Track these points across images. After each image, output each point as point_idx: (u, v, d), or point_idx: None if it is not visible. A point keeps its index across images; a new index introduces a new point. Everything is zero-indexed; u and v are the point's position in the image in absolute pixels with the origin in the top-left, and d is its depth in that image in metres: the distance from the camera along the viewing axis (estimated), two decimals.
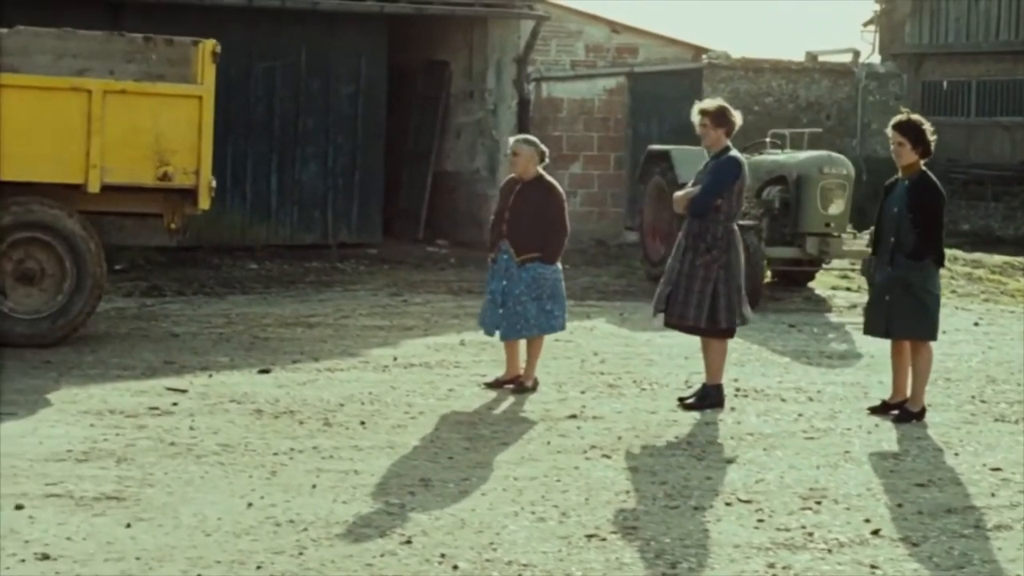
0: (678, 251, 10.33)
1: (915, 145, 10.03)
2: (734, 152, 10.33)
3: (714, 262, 10.06)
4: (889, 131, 10.23)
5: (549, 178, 10.88)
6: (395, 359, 11.87)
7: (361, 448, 8.65)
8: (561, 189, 10.93)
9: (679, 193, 10.47)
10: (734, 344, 12.32)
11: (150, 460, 8.20)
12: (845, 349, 13.19)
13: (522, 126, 20.89)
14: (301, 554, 6.48)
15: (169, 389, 10.35)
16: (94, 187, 12.03)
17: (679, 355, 12.47)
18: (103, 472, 7.90)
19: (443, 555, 6.52)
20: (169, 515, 7.06)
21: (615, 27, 21.68)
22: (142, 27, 14.98)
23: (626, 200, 21.91)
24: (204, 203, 12.39)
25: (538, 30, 20.48)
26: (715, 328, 10.12)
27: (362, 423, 9.38)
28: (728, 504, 7.57)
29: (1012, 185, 32.32)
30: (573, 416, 9.78)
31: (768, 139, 18.32)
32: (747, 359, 12.28)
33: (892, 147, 10.17)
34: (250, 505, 7.27)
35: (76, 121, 11.95)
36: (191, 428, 9.08)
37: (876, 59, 38.78)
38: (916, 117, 10.24)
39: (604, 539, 6.86)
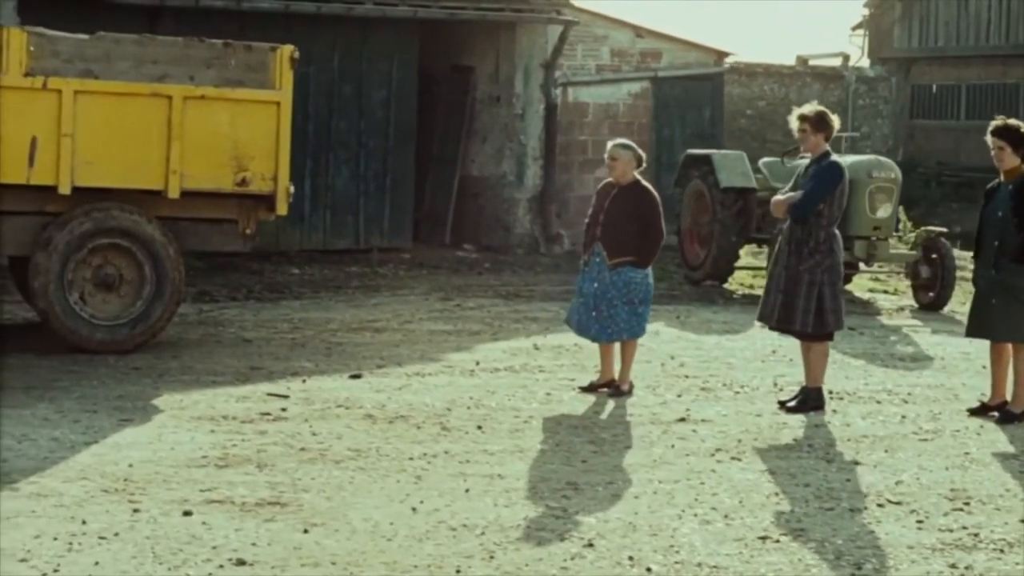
0: (780, 256, 10.40)
1: (1016, 148, 10.15)
2: (835, 156, 10.42)
3: (818, 266, 10.15)
4: (988, 138, 10.34)
5: (645, 183, 10.97)
6: (478, 363, 11.90)
7: (492, 452, 8.69)
8: (656, 194, 11.00)
9: (778, 198, 10.54)
10: None
11: (290, 466, 8.21)
12: (913, 352, 13.31)
13: (549, 130, 21.00)
14: (492, 558, 6.52)
15: (270, 395, 10.36)
16: (174, 193, 12.02)
17: (754, 358, 12.58)
18: (249, 478, 7.90)
19: (630, 558, 6.57)
20: (340, 520, 7.08)
21: (639, 32, 21.78)
22: (178, 33, 14.93)
23: None
24: (282, 209, 12.40)
25: (566, 35, 20.56)
26: (822, 331, 10.21)
27: (479, 427, 9.42)
28: (880, 506, 7.65)
29: None
30: (682, 419, 9.84)
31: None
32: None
33: (993, 152, 10.29)
34: (414, 510, 7.30)
35: (156, 127, 11.95)
36: (313, 434, 9.09)
37: (865, 63, 39.10)
38: (1013, 121, 10.36)
39: (778, 541, 6.93)
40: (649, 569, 6.42)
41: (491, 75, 21.34)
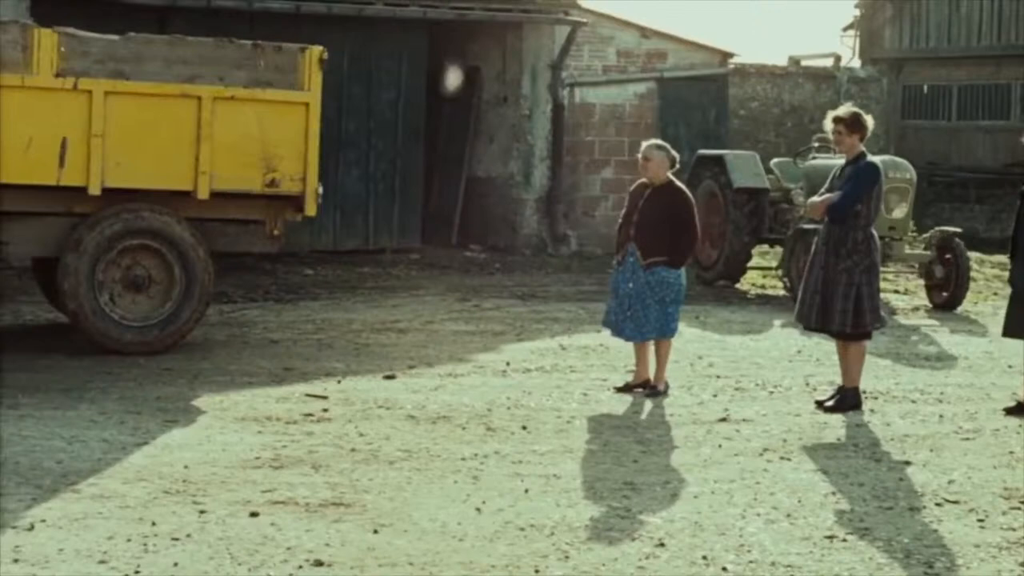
0: (816, 257, 10.44)
1: None
2: (871, 157, 10.48)
3: (856, 266, 10.20)
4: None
5: (679, 183, 11.01)
6: (508, 364, 11.93)
7: (542, 452, 8.72)
8: (690, 195, 11.04)
9: (815, 199, 10.59)
10: (833, 348, 12.50)
11: (344, 467, 8.22)
12: (936, 351, 13.38)
13: (556, 131, 21.03)
14: (567, 558, 6.55)
15: (308, 395, 10.37)
16: (203, 194, 12.02)
17: (781, 358, 12.64)
18: (307, 479, 7.92)
19: (704, 557, 6.61)
20: (407, 521, 7.10)
21: (645, 32, 21.83)
22: (189, 34, 14.89)
23: None
24: (311, 210, 12.42)
25: (574, 36, 20.60)
26: (860, 331, 10.26)
27: (523, 427, 9.44)
28: (938, 505, 7.70)
29: (995, 188, 32.72)
30: (723, 420, 9.88)
31: (816, 144, 18.50)
32: None
33: None
34: (479, 510, 7.32)
35: (186, 128, 11.95)
36: (360, 434, 9.10)
37: (856, 64, 39.22)
38: None
39: (844, 540, 6.97)
40: (725, 568, 6.46)
41: (498, 75, 21.37)
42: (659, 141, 11.21)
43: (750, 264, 18.30)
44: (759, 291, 18.00)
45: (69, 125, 11.65)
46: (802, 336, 13.91)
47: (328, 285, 16.96)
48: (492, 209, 21.33)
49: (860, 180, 10.30)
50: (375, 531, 6.90)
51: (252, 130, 12.09)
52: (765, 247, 19.13)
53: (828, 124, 10.55)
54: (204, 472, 7.98)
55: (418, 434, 9.17)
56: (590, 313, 15.26)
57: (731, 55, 22.98)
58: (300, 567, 6.33)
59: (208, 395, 10.29)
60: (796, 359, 12.60)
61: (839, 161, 17.36)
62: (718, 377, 11.60)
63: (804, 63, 38.58)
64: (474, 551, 6.62)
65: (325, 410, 9.86)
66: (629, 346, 12.24)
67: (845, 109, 10.56)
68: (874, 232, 10.43)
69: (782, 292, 17.87)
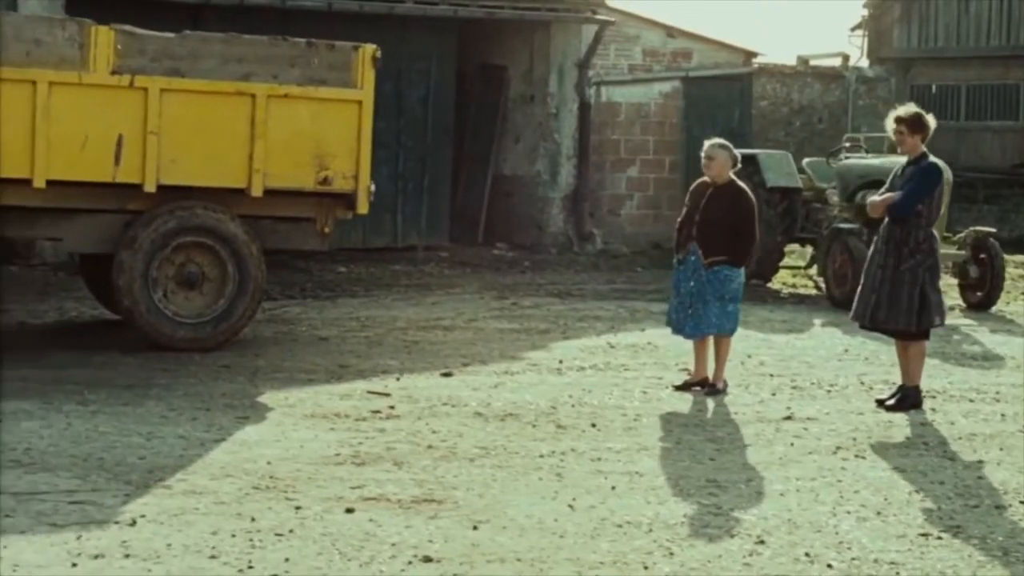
0: (876, 256, 10.48)
1: None
2: (933, 158, 10.52)
3: (919, 265, 10.24)
4: None
5: (741, 183, 11.05)
6: (561, 362, 11.97)
7: (618, 450, 8.75)
8: (752, 195, 11.09)
9: (875, 198, 10.63)
10: (879, 347, 12.59)
11: (426, 463, 8.26)
12: (981, 351, 13.45)
13: (583, 130, 21.08)
14: (672, 555, 6.59)
15: (371, 392, 10.40)
16: (257, 191, 12.05)
17: (830, 357, 12.70)
18: (391, 475, 7.95)
19: (806, 554, 6.64)
20: (503, 517, 7.13)
21: (671, 32, 21.90)
22: (222, 31, 14.89)
23: (680, 203, 22.07)
24: (363, 208, 12.45)
25: (601, 35, 20.65)
26: (925, 330, 10.31)
27: (592, 425, 9.48)
28: (1023, 503, 7.75)
29: (1004, 188, 32.81)
30: (788, 418, 9.92)
31: (847, 144, 18.58)
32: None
33: None
34: (571, 507, 7.36)
35: (240, 125, 11.98)
36: (433, 432, 9.13)
37: (865, 63, 39.29)
38: None
39: (939, 538, 7.01)
40: (830, 566, 6.50)
41: (524, 74, 21.42)
42: (722, 140, 11.23)
43: (781, 263, 18.34)
44: (791, 290, 18.05)
45: (125, 122, 11.68)
46: (845, 335, 14.01)
47: (363, 282, 17.00)
48: (518, 208, 21.37)
49: (923, 180, 10.35)
50: (474, 527, 6.93)
51: (305, 128, 12.12)
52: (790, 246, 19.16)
53: (890, 124, 10.58)
54: (288, 468, 8.01)
55: (489, 431, 9.20)
56: (630, 312, 15.33)
57: (755, 54, 23.06)
58: (409, 563, 6.35)
59: (271, 392, 10.31)
60: (845, 358, 12.65)
61: (872, 160, 17.56)
62: (772, 376, 11.65)
63: (813, 63, 38.69)
64: (577, 547, 6.65)
65: (391, 407, 9.89)
66: (679, 344, 12.34)
67: (907, 109, 10.60)
68: (935, 232, 10.48)
69: (814, 291, 17.95)
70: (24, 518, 6.85)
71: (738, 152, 11.27)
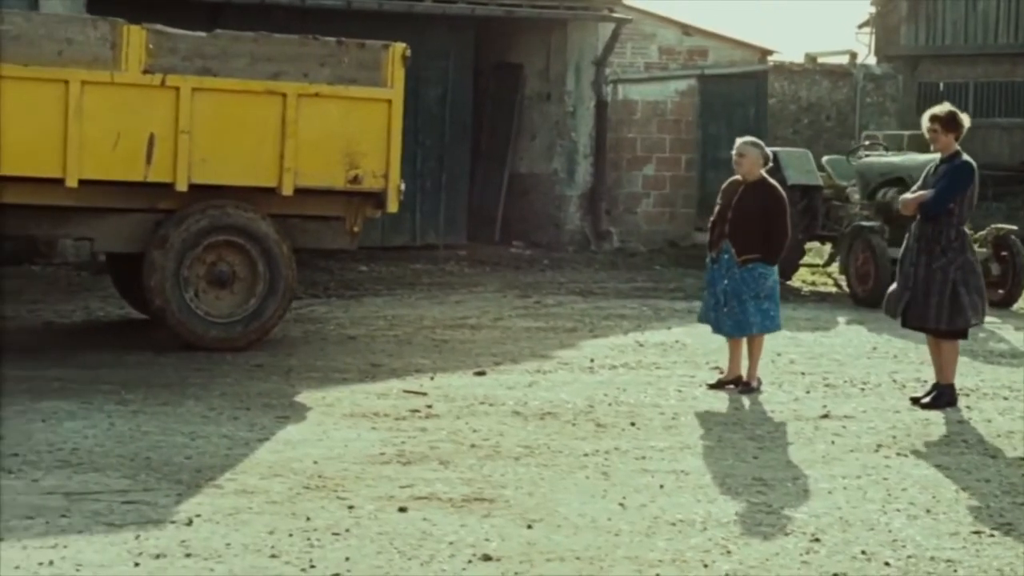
0: (908, 254, 10.50)
1: None
2: (966, 156, 10.53)
3: (951, 264, 10.25)
4: None
5: (772, 181, 11.07)
6: (592, 361, 11.99)
7: (661, 449, 8.77)
8: (783, 192, 11.10)
9: (908, 196, 10.65)
10: (907, 344, 12.61)
11: (471, 462, 8.27)
12: (1007, 348, 13.48)
13: (599, 128, 21.09)
14: (729, 553, 6.60)
15: (407, 392, 10.41)
16: (287, 190, 12.06)
17: (858, 355, 12.72)
18: (438, 474, 7.96)
19: (863, 552, 6.66)
20: (556, 516, 7.14)
21: (687, 30, 21.90)
22: (241, 30, 14.89)
23: (696, 201, 22.13)
24: (393, 206, 12.47)
25: (619, 32, 20.66)
26: (956, 328, 10.32)
27: (632, 424, 9.50)
28: None
29: (1012, 185, 32.84)
30: (825, 416, 9.94)
31: (866, 142, 18.61)
32: (929, 357, 12.45)
33: None
34: (623, 506, 7.38)
35: (271, 124, 11.99)
36: (474, 431, 9.15)
37: (872, 61, 39.31)
38: None
39: (992, 535, 7.03)
40: (887, 563, 6.51)
41: (540, 72, 21.42)
42: (753, 138, 11.26)
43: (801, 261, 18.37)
44: (811, 288, 18.07)
45: (156, 122, 11.69)
46: (871, 332, 14.05)
47: (385, 281, 17.01)
48: (534, 206, 21.38)
49: (956, 179, 10.36)
50: (528, 526, 6.94)
51: (336, 127, 12.13)
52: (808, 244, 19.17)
53: (925, 122, 10.59)
54: (335, 468, 8.02)
55: (530, 430, 9.22)
56: (654, 310, 15.36)
57: (770, 52, 23.06)
58: (469, 561, 6.37)
59: (308, 391, 10.33)
60: (874, 356, 12.68)
61: (892, 158, 17.58)
62: (803, 374, 11.67)
63: (820, 60, 38.72)
64: (634, 546, 6.67)
65: (429, 406, 9.90)
66: (708, 342, 12.39)
67: (941, 108, 10.61)
68: (967, 230, 10.50)
69: (834, 289, 17.97)
70: (80, 518, 6.86)
71: (779, 150, 11.28)
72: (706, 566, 6.40)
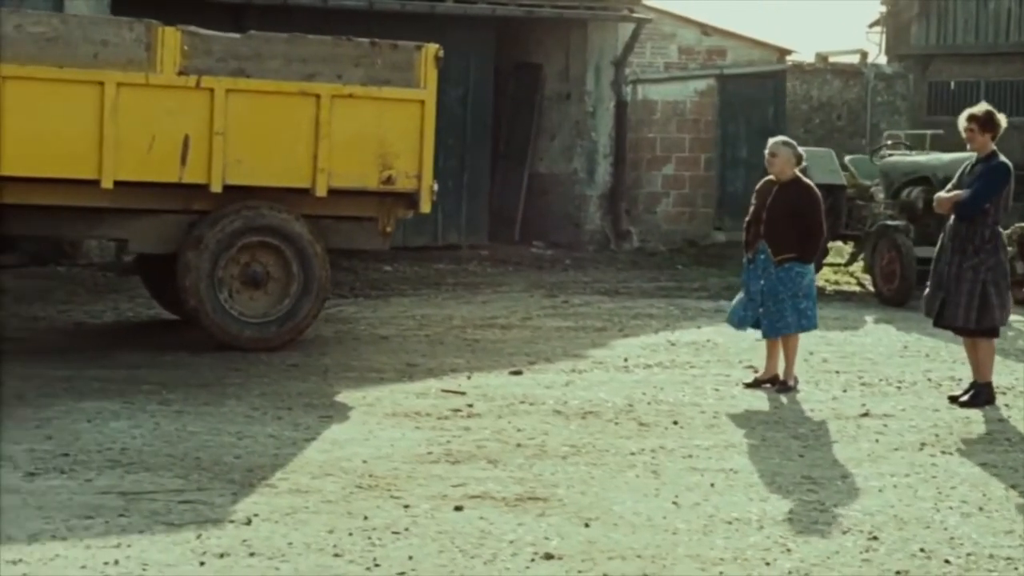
0: (942, 254, 10.53)
1: None
2: (1003, 157, 10.55)
3: (983, 264, 10.27)
4: None
5: (806, 180, 11.09)
6: (626, 360, 12.01)
7: (706, 447, 8.79)
8: (817, 191, 11.12)
9: (943, 195, 10.66)
10: (938, 343, 12.64)
11: (519, 461, 8.29)
12: None
13: (619, 128, 21.12)
14: (789, 551, 6.62)
15: (445, 391, 10.43)
16: (321, 191, 12.08)
17: (890, 353, 12.74)
18: (488, 473, 7.98)
19: (922, 550, 6.68)
20: (611, 514, 7.16)
21: (706, 30, 21.97)
22: (262, 30, 14.91)
23: (715, 201, 22.18)
24: (426, 207, 12.50)
25: (638, 33, 20.69)
26: (986, 328, 10.34)
27: (674, 423, 9.52)
28: None
29: None
30: (865, 415, 9.96)
31: (888, 141, 18.63)
32: (962, 356, 12.47)
33: None
34: (676, 504, 7.40)
35: (305, 125, 12.01)
36: (518, 430, 9.17)
37: (883, 60, 39.31)
38: None
39: None
40: (947, 561, 6.53)
41: (560, 72, 21.45)
42: (785, 137, 11.29)
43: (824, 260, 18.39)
44: (835, 287, 18.09)
45: (191, 123, 11.71)
46: (900, 331, 14.08)
47: (410, 281, 17.05)
48: (554, 206, 21.40)
49: (991, 179, 10.38)
50: (586, 525, 6.96)
51: (369, 127, 12.16)
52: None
53: (962, 122, 10.61)
54: (385, 467, 8.04)
55: (573, 429, 9.24)
56: (681, 309, 15.38)
57: (788, 51, 23.12)
58: (532, 560, 6.39)
59: (347, 391, 10.35)
60: (906, 354, 12.70)
61: (917, 157, 17.60)
62: (837, 372, 11.69)
63: (832, 59, 38.73)
64: (693, 544, 6.69)
65: (470, 405, 9.93)
66: (740, 342, 12.41)
67: (979, 107, 10.63)
68: (1001, 231, 10.52)
69: (857, 288, 17.99)
70: (139, 517, 6.89)
71: (802, 150, 11.32)
72: (767, 564, 6.42)
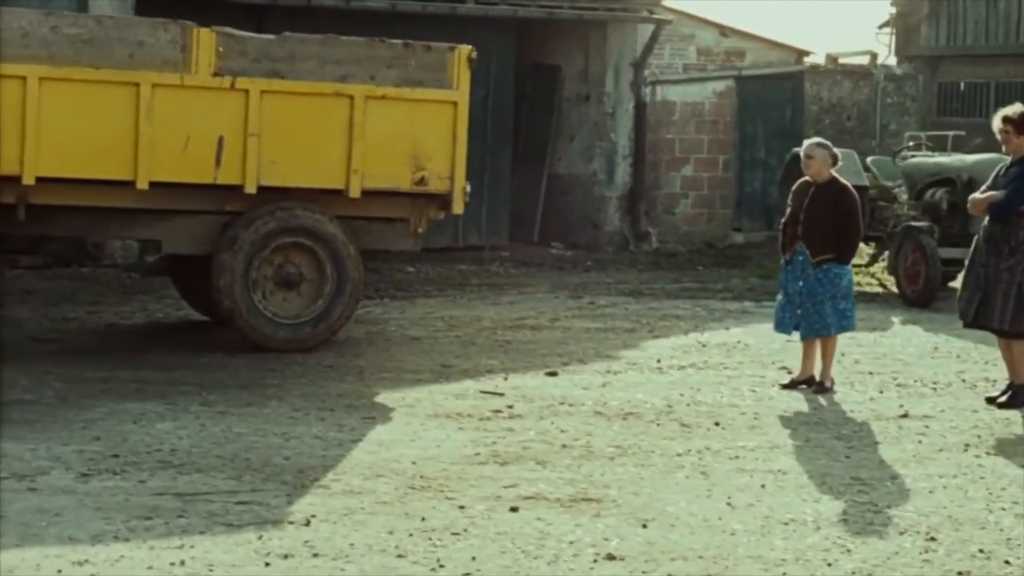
0: (976, 255, 10.54)
1: None
2: None
3: (1018, 264, 10.27)
4: None
5: (842, 180, 11.10)
6: (659, 361, 12.03)
7: (752, 448, 8.81)
8: (855, 192, 11.14)
9: (978, 196, 10.67)
10: (967, 344, 12.66)
11: (567, 462, 8.32)
12: None
13: (639, 129, 21.12)
14: (849, 552, 6.64)
15: (484, 392, 10.45)
16: (355, 192, 12.09)
17: (921, 354, 12.77)
18: (538, 474, 8.00)
19: (980, 551, 6.70)
20: (667, 515, 7.18)
21: (724, 31, 21.95)
22: (285, 32, 14.93)
23: (733, 202, 22.19)
24: (458, 208, 12.52)
25: (658, 34, 20.68)
26: (1019, 330, 10.34)
27: (716, 424, 9.54)
28: None
29: None
30: (904, 416, 9.98)
31: (911, 143, 18.64)
32: (993, 357, 12.49)
33: None
34: (730, 505, 7.42)
35: (338, 127, 12.02)
36: (562, 431, 9.19)
37: (892, 61, 39.31)
38: None
39: None
40: (1008, 562, 6.55)
41: (579, 73, 21.45)
42: (820, 139, 11.31)
43: None
44: (857, 288, 18.04)
45: (226, 124, 11.72)
46: (928, 332, 14.10)
47: (434, 282, 17.06)
48: (573, 207, 21.40)
49: None
50: (643, 526, 6.98)
51: (402, 129, 12.17)
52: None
53: (996, 123, 10.62)
54: (435, 468, 8.06)
55: (616, 430, 9.26)
56: (708, 311, 15.39)
57: (807, 53, 23.13)
58: (595, 561, 6.41)
59: (386, 392, 10.37)
60: (937, 356, 12.71)
61: (941, 159, 17.61)
62: (871, 374, 11.70)
63: (841, 61, 38.73)
64: (752, 545, 6.71)
65: (510, 406, 9.95)
66: (771, 343, 12.43)
67: (1013, 109, 10.63)
68: None
69: (879, 289, 18.00)
70: (197, 518, 6.91)
71: (839, 151, 11.35)
72: (829, 564, 6.44)
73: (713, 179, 22.09)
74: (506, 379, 11.02)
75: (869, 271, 18.83)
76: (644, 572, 6.28)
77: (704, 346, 12.92)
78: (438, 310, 14.84)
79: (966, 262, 10.89)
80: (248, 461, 8.12)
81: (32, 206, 11.48)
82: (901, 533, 6.97)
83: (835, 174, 11.07)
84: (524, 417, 9.61)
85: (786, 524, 7.08)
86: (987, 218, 10.55)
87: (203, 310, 13.36)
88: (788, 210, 11.16)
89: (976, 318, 10.54)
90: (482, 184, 20.01)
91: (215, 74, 11.68)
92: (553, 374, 11.28)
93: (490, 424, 9.36)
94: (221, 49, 11.70)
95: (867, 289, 18.11)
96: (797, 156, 18.26)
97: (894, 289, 17.05)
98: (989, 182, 10.82)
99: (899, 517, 7.26)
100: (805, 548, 6.67)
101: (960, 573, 6.39)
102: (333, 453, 8.39)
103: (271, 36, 12.10)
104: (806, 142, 11.24)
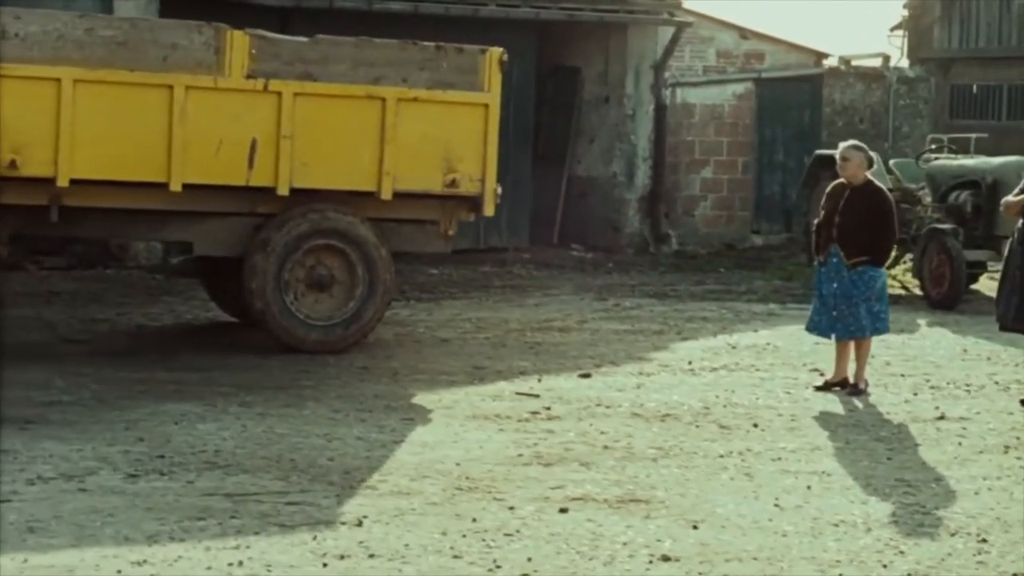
0: (1012, 257, 10.57)
1: None
2: None
3: None
4: None
5: (877, 183, 11.12)
6: (690, 363, 12.04)
7: (793, 450, 8.82)
8: (890, 194, 11.16)
9: (1011, 199, 10.70)
10: (996, 347, 12.67)
11: (611, 464, 8.33)
12: None
13: (659, 131, 21.14)
14: (902, 553, 6.65)
15: (520, 394, 10.47)
16: (386, 194, 12.11)
17: (951, 356, 12.78)
18: (584, 475, 8.02)
19: None
20: (717, 517, 7.19)
21: (744, 33, 22.01)
22: (309, 34, 14.99)
23: (752, 204, 22.22)
24: (489, 210, 12.56)
25: (679, 36, 20.73)
26: None
27: (755, 425, 9.55)
28: None
29: None
30: (941, 418, 9.99)
31: (932, 145, 18.66)
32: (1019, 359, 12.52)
33: None
34: (778, 506, 7.43)
35: (371, 129, 12.04)
36: (601, 432, 9.20)
37: (905, 63, 39.29)
38: None
39: None
40: None
41: (599, 75, 21.47)
42: (856, 142, 11.32)
43: None
44: None
45: (258, 126, 11.76)
46: (955, 335, 14.12)
47: (458, 284, 17.09)
48: (593, 209, 21.43)
49: None
50: (694, 527, 6.99)
51: (433, 131, 12.19)
52: None
53: None
54: (480, 469, 8.08)
55: (655, 432, 9.28)
56: (734, 312, 15.41)
57: (826, 55, 23.16)
58: (650, 561, 6.43)
59: (423, 394, 10.39)
60: (967, 358, 12.72)
61: (965, 161, 17.62)
62: (903, 376, 11.71)
63: (854, 63, 38.72)
64: (805, 546, 6.72)
65: (547, 408, 9.96)
66: (800, 344, 12.46)
67: None
68: None
69: (902, 291, 18.01)
70: (250, 519, 6.92)
71: (873, 153, 11.38)
72: (884, 566, 6.45)
73: (732, 181, 22.13)
74: (540, 381, 11.04)
75: (891, 273, 18.83)
76: (700, 573, 6.30)
77: (734, 348, 12.93)
78: (464, 312, 14.86)
79: (1001, 265, 10.91)
80: (293, 462, 8.14)
81: (64, 208, 11.51)
82: (952, 535, 6.98)
83: (871, 176, 11.09)
84: (563, 419, 9.63)
85: (836, 526, 7.09)
86: (1021, 220, 10.57)
87: (232, 311, 13.39)
88: (822, 212, 11.17)
89: (1015, 320, 10.56)
90: (504, 186, 20.00)
91: (248, 76, 11.71)
92: (587, 376, 11.30)
93: (529, 426, 9.37)
94: (254, 51, 11.73)
95: (890, 291, 18.09)
96: (819, 158, 18.45)
97: (916, 291, 17.07)
98: (1022, 184, 10.84)
99: (948, 519, 7.27)
100: (858, 550, 6.68)
101: (1016, 575, 6.39)
102: (377, 454, 8.41)
103: (304, 38, 12.12)
104: (841, 144, 11.26)
